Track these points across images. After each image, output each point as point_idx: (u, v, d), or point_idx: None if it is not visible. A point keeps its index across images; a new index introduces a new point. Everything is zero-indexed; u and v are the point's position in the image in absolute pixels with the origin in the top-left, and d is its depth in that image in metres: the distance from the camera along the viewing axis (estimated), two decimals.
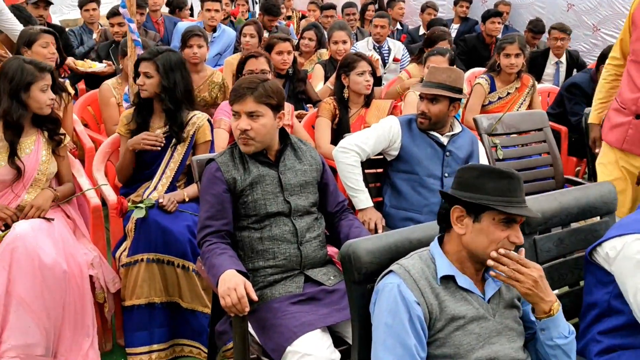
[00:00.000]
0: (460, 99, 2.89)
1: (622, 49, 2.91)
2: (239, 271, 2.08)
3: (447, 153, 2.89)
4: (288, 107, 3.53)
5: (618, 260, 1.97)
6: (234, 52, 5.45)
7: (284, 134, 2.41)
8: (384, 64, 5.48)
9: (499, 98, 4.35)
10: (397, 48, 5.62)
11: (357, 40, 6.14)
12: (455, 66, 3.57)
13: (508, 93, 4.35)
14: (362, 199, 2.84)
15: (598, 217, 2.34)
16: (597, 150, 3.07)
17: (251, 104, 2.25)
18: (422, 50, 4.64)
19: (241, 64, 3.54)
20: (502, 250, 1.71)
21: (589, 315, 2.08)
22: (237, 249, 2.27)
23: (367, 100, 3.80)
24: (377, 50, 5.58)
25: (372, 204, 2.86)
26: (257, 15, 7.33)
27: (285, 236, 2.26)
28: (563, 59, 5.80)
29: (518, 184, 1.74)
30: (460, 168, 1.84)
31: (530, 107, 4.38)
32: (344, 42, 4.89)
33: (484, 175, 1.75)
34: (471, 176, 1.76)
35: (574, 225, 2.30)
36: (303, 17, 8.38)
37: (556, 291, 2.10)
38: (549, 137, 3.63)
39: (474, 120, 3.53)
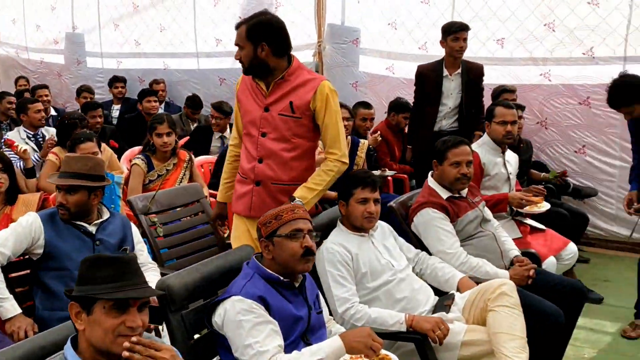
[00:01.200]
0: (101, 187, 2.86)
1: (237, 129, 3.19)
2: None
3: (97, 242, 2.83)
4: None
5: (225, 326, 2.17)
6: None
7: None
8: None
9: (159, 176, 4.43)
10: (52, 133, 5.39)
11: (10, 130, 5.77)
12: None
13: (167, 170, 4.47)
14: (8, 307, 2.60)
15: None
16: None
17: None
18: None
19: None
20: (134, 339, 1.70)
21: None
22: None
23: (11, 196, 3.53)
24: (33, 138, 5.33)
25: (19, 311, 2.63)
26: None
27: None
28: (227, 133, 5.99)
29: (128, 267, 1.76)
30: (81, 261, 1.80)
31: (191, 180, 4.55)
32: None
33: (94, 265, 1.74)
34: (84, 268, 1.75)
35: None
36: None
37: None
38: (206, 208, 3.82)
39: (129, 202, 3.53)
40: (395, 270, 2.89)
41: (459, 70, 4.98)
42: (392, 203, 3.47)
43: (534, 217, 3.93)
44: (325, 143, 2.96)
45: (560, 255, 3.75)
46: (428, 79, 5.03)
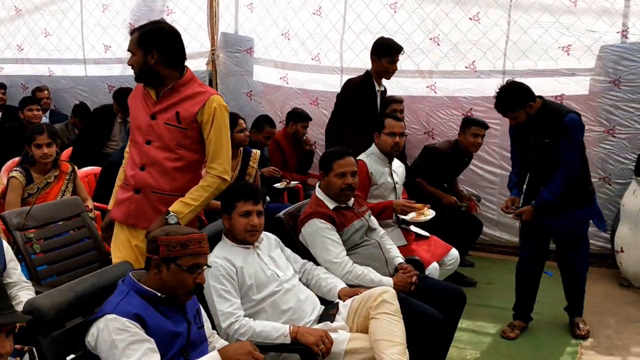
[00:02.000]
0: None
1: None
2: None
3: None
4: None
5: (98, 346, 2.10)
6: None
7: None
8: None
9: (39, 189, 4.21)
10: None
11: None
12: None
13: (47, 183, 4.25)
14: None
15: None
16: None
17: None
18: None
19: None
20: None
21: None
22: None
23: None
24: None
25: None
26: None
27: None
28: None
29: None
30: None
31: (74, 193, 4.35)
32: None
33: None
34: None
35: None
36: None
37: None
38: (87, 222, 3.66)
39: (1, 217, 3.33)
40: (281, 281, 2.89)
41: (383, 87, 4.97)
42: (280, 214, 3.47)
43: (424, 225, 4.07)
44: (208, 157, 2.92)
45: (443, 261, 3.90)
46: (364, 93, 4.80)
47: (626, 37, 5.05)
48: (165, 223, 2.73)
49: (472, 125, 4.84)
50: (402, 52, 4.84)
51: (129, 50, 2.89)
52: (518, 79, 5.25)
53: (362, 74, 4.93)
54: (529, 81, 5.17)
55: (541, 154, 3.83)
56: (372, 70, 4.86)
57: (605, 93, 5.04)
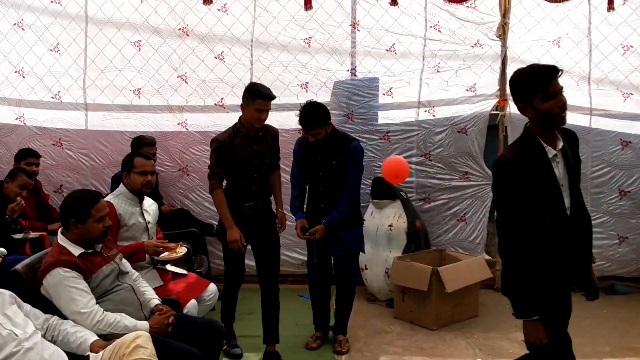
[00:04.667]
0: None
1: None
2: None
3: None
4: None
5: None
6: None
7: None
8: None
9: None
10: None
11: None
12: None
13: None
14: None
15: None
16: None
17: None
18: None
19: None
20: None
21: None
22: None
23: None
24: None
25: None
26: None
27: None
28: None
29: None
30: None
31: None
32: None
33: None
34: None
35: None
36: None
37: None
38: None
39: None
40: (19, 340, 2.61)
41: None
42: (17, 267, 3.14)
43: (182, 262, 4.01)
44: None
45: (202, 296, 3.88)
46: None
47: (355, 75, 5.62)
48: None
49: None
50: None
51: None
52: None
53: (129, 112, 4.80)
54: (274, 115, 5.54)
55: (328, 175, 4.21)
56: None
57: (341, 125, 5.52)
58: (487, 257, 5.59)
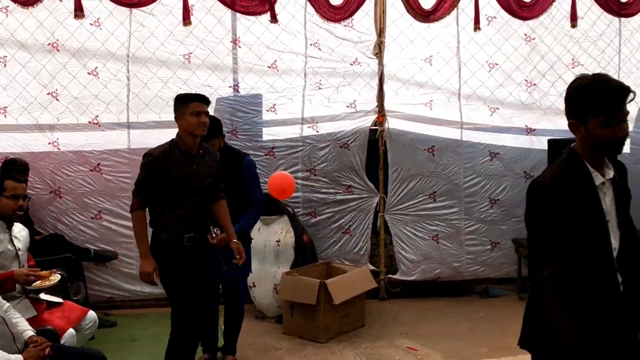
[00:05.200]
0: None
1: None
2: None
3: None
4: None
5: None
6: None
7: None
8: None
9: None
10: None
11: None
12: None
13: None
14: None
15: None
16: None
17: None
18: None
19: None
20: None
21: None
22: None
23: None
24: None
25: None
26: None
27: None
28: None
29: None
30: None
31: None
32: None
33: None
34: None
35: None
36: None
37: None
38: None
39: None
40: None
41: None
42: None
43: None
44: None
45: (80, 325, 3.65)
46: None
47: (237, 91, 5.58)
48: None
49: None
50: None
51: None
52: (143, 131, 5.43)
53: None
54: (153, 133, 5.40)
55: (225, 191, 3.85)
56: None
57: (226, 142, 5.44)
58: (371, 267, 5.73)
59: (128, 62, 5.39)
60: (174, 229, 3.52)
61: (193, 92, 5.35)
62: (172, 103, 5.32)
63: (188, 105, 3.59)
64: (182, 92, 5.37)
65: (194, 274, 3.53)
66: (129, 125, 5.43)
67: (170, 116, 5.29)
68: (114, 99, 5.40)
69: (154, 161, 3.52)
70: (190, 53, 5.46)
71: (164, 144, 3.63)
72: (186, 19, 5.23)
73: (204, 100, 3.65)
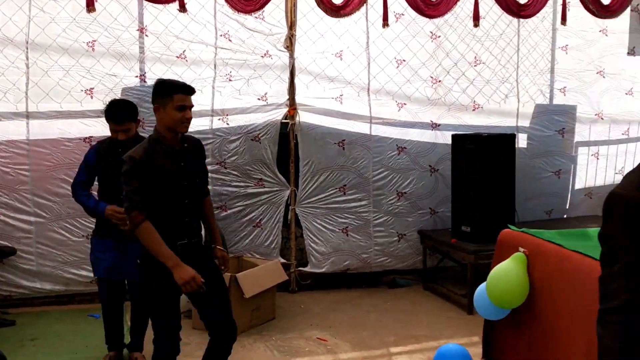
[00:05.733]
0: None
1: None
2: None
3: None
4: None
5: None
6: None
7: None
8: None
9: None
10: None
11: None
12: None
13: None
14: None
15: None
16: None
17: None
18: None
19: None
20: None
21: None
22: None
23: None
24: None
25: None
26: None
27: None
28: None
29: None
30: None
31: None
32: None
33: None
34: None
35: None
36: None
37: None
38: None
39: None
40: None
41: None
42: None
43: None
44: None
45: None
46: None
47: (144, 81, 5.43)
48: None
49: None
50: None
51: None
52: (44, 122, 5.19)
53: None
54: (54, 123, 5.18)
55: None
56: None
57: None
58: (282, 260, 5.75)
59: (27, 48, 5.11)
60: (164, 237, 3.08)
61: (96, 81, 5.26)
62: (74, 93, 5.24)
63: (172, 97, 3.15)
64: (86, 81, 5.26)
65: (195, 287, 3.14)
66: (27, 115, 5.16)
67: (73, 106, 5.24)
68: (11, 87, 5.11)
69: (140, 165, 3.08)
70: (95, 41, 5.24)
71: (143, 143, 3.20)
72: (90, 6, 5.01)
73: (190, 91, 3.24)
